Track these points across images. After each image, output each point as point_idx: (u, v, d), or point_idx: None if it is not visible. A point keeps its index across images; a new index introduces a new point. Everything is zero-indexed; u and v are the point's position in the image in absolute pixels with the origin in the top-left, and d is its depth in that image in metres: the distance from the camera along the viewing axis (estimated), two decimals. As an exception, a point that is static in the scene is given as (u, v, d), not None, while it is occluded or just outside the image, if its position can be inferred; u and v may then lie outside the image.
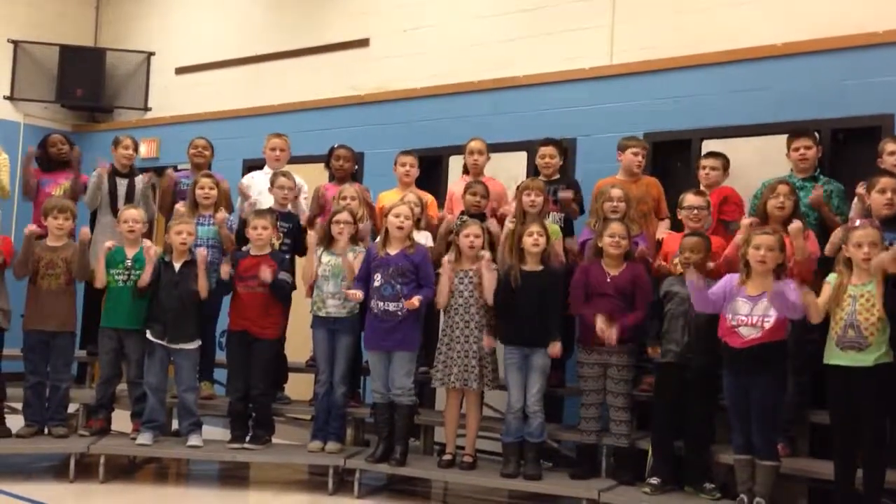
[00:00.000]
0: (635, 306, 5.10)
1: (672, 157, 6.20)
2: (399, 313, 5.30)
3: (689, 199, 5.28)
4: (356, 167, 6.67)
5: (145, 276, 5.63)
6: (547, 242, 5.24)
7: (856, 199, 4.94)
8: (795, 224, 4.68)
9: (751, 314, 4.50)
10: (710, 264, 4.95)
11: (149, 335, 5.64)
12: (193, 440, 5.66)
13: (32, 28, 9.53)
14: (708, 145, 6.00)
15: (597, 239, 5.23)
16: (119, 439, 5.87)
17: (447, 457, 5.43)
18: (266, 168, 6.46)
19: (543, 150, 5.95)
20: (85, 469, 5.62)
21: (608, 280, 5.12)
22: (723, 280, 4.70)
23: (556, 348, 5.13)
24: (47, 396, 5.78)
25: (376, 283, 5.36)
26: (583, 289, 5.18)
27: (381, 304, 5.33)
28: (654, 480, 4.89)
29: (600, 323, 5.01)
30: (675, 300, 4.96)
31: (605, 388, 5.17)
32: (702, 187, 5.57)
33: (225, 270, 5.64)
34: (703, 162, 5.66)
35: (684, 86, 6.22)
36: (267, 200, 6.15)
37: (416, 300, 5.22)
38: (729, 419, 4.70)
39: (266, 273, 5.53)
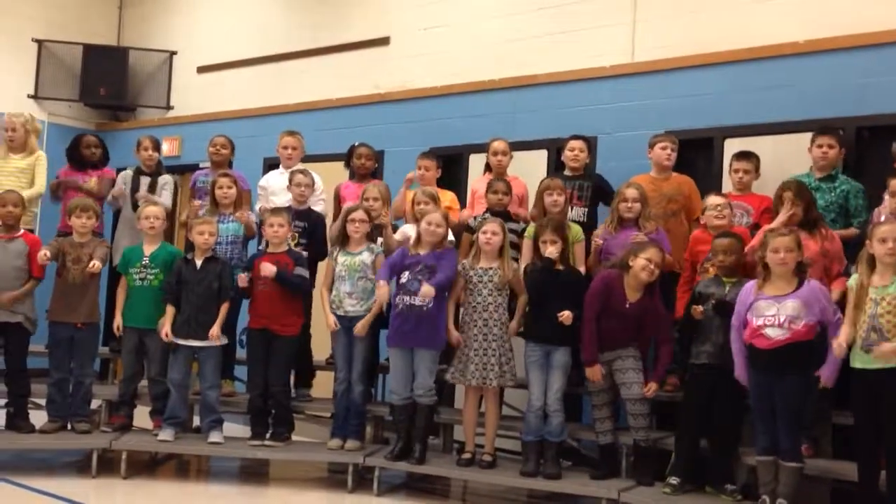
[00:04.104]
0: (658, 339, 5.07)
1: (694, 156, 6.16)
2: (425, 307, 5.29)
3: (712, 199, 5.24)
4: (377, 165, 6.67)
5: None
6: (565, 244, 5.22)
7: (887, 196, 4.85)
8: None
9: (777, 314, 4.44)
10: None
11: (173, 337, 5.68)
12: (214, 437, 5.70)
13: (56, 27, 9.62)
14: (730, 144, 5.96)
15: (628, 255, 5.03)
16: (141, 435, 5.92)
17: (466, 455, 5.43)
18: (281, 168, 6.48)
19: (573, 143, 5.94)
20: (107, 464, 5.66)
21: (626, 306, 5.04)
22: (741, 293, 4.65)
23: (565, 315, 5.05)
24: (70, 392, 5.84)
25: (403, 280, 5.36)
26: (599, 299, 5.06)
27: (407, 298, 5.31)
28: (674, 480, 4.86)
29: (594, 374, 5.05)
30: (710, 302, 4.86)
31: (614, 385, 5.13)
32: (733, 190, 5.51)
33: (242, 279, 5.64)
34: (737, 164, 5.52)
35: (706, 84, 6.18)
36: (282, 200, 6.17)
37: (427, 289, 5.16)
38: (752, 420, 4.65)
39: (268, 268, 5.54)
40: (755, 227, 5.28)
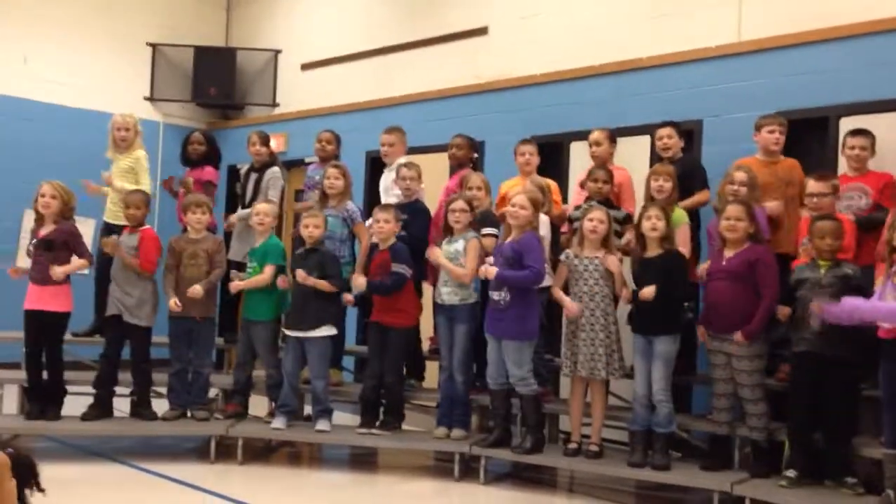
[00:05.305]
0: (762, 293, 4.87)
1: (806, 137, 5.91)
2: (502, 302, 5.28)
3: (811, 185, 5.00)
4: (475, 155, 6.67)
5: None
6: (667, 226, 5.12)
7: None
8: None
9: None
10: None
11: (283, 328, 5.86)
12: (321, 425, 5.83)
13: (168, 31, 10.03)
14: (846, 122, 5.68)
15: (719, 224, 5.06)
16: (255, 423, 6.13)
17: (572, 445, 5.40)
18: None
19: (661, 131, 5.84)
20: (225, 450, 5.88)
21: (723, 263, 4.97)
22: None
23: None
24: (189, 382, 6.09)
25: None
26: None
27: (491, 293, 5.37)
28: (791, 473, 4.71)
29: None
30: (806, 286, 4.71)
31: (733, 377, 5.00)
32: (848, 170, 5.27)
33: (360, 283, 5.74)
34: (851, 141, 5.27)
35: (819, 60, 5.91)
36: (388, 198, 6.24)
37: (488, 269, 5.22)
38: (882, 412, 4.44)
39: (355, 289, 5.77)
40: (876, 208, 5.04)
